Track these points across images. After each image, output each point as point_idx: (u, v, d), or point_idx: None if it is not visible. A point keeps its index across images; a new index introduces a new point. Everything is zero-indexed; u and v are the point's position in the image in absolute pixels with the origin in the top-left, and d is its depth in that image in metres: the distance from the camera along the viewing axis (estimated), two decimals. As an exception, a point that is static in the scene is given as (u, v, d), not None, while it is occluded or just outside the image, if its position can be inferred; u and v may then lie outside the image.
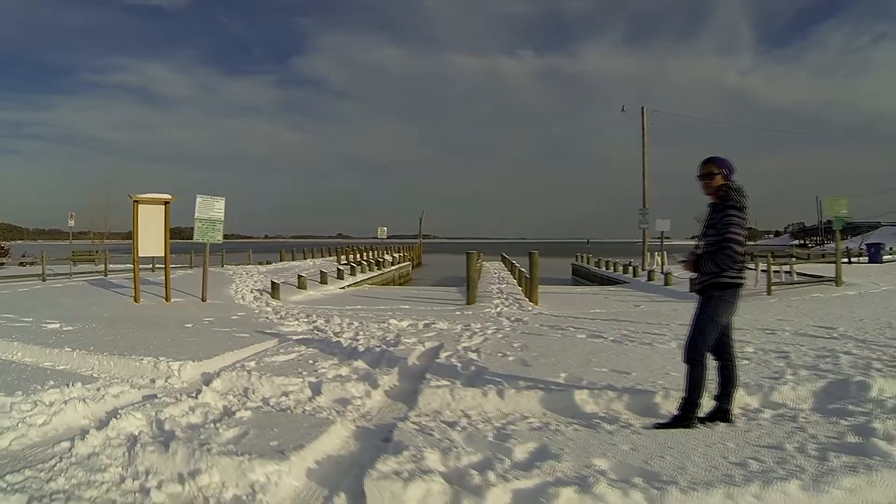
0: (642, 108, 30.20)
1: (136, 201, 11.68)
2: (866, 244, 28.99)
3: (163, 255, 12.26)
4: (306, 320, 9.84)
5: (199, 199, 12.64)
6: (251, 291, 15.21)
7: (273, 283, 14.90)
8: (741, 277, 3.84)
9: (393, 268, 30.99)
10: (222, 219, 12.88)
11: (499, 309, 12.34)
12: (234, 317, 10.26)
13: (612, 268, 26.75)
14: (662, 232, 25.99)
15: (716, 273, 3.79)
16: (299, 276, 17.04)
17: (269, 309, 11.98)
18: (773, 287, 13.60)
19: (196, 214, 12.63)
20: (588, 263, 32.47)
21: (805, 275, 15.93)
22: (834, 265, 14.69)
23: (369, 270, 25.41)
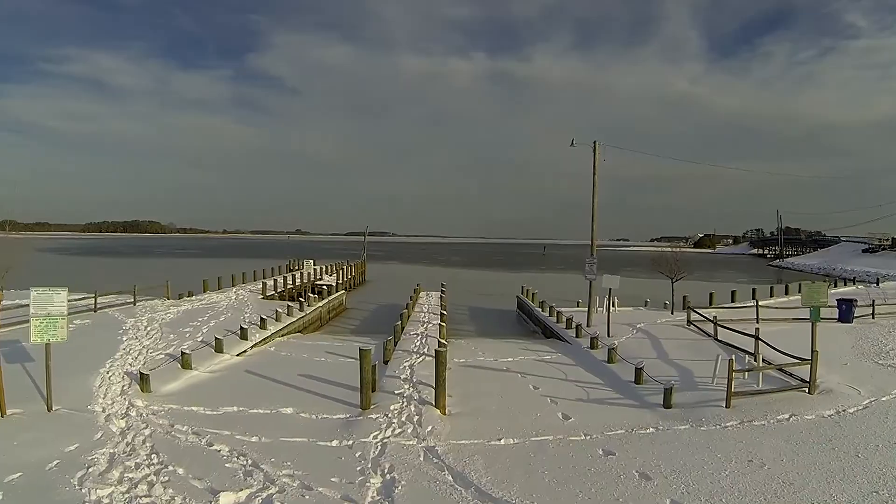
0: (594, 143, 27.79)
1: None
2: (837, 300, 23.74)
3: None
4: (129, 477, 8.06)
5: (33, 293, 10.61)
6: (123, 377, 13.23)
7: (142, 374, 12.89)
8: None
9: (321, 303, 29.05)
10: (65, 313, 10.85)
11: (387, 433, 10.65)
12: (54, 463, 8.43)
13: (556, 317, 25.20)
14: (610, 290, 22.01)
15: None
16: (183, 354, 15.01)
17: (115, 431, 10.10)
18: (732, 398, 11.93)
19: (31, 311, 10.61)
20: (533, 301, 31.16)
21: (771, 365, 14.01)
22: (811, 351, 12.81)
23: (288, 316, 23.25)
